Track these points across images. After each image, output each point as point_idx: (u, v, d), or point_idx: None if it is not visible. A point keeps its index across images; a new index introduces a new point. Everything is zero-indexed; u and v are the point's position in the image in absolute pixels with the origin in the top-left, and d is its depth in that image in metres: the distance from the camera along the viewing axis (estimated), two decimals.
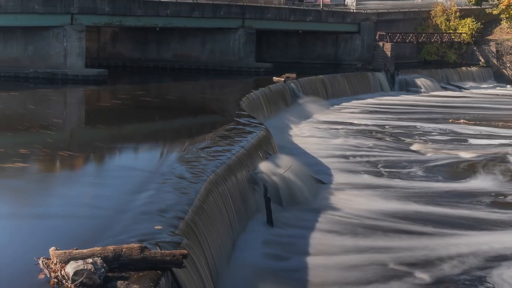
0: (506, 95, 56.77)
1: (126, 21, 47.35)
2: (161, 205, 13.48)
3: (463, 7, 70.43)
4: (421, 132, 35.93)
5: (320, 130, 35.62)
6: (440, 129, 37.12)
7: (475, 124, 39.09)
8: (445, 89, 58.68)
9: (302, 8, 61.90)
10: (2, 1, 39.99)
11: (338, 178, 24.33)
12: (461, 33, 66.62)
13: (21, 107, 31.22)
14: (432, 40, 65.62)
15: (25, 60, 42.71)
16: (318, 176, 23.77)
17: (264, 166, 20.73)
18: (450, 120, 40.38)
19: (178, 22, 50.01)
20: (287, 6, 61.10)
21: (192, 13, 50.44)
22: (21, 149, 19.46)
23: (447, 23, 67.91)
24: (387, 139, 33.54)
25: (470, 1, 68.16)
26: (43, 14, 42.00)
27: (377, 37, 61.09)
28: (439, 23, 68.12)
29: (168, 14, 48.91)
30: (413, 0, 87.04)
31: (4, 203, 14.35)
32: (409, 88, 56.51)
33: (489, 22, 68.78)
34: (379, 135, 34.57)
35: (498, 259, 16.29)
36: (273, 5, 59.49)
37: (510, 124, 39.60)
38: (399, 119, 40.76)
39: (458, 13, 68.06)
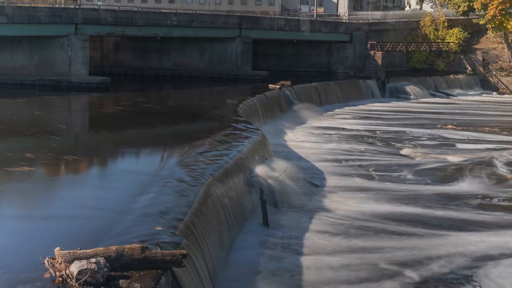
0: (491, 101, 56.84)
1: (128, 31, 47.30)
2: (162, 207, 13.50)
3: (451, 18, 70.56)
4: (411, 137, 35.93)
5: (314, 135, 35.57)
6: (429, 134, 37.13)
7: (462, 130, 39.14)
8: (434, 96, 58.64)
9: (297, 18, 61.95)
10: (9, 12, 39.98)
11: (331, 181, 24.30)
12: (449, 42, 66.70)
13: (27, 113, 31.19)
14: (421, 49, 65.63)
15: (31, 68, 42.68)
16: (312, 180, 23.76)
17: (260, 170, 20.68)
18: (438, 126, 40.42)
19: (178, 32, 50.05)
20: (282, 17, 61.18)
21: (191, 23, 50.49)
22: (28, 153, 19.48)
23: (436, 32, 68.00)
24: (378, 144, 33.53)
25: (458, 12, 68.28)
26: (49, 24, 41.98)
27: (368, 46, 61.16)
28: (427, 32, 68.19)
29: (168, 24, 48.93)
30: (403, 11, 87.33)
31: (12, 205, 14.33)
32: (399, 95, 56.40)
33: (476, 32, 68.88)
34: (370, 140, 34.57)
35: (485, 258, 16.31)
36: (269, 16, 59.54)
37: (495, 129, 39.64)
38: (389, 125, 40.76)
39: (446, 23, 68.20)
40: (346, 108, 48.31)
